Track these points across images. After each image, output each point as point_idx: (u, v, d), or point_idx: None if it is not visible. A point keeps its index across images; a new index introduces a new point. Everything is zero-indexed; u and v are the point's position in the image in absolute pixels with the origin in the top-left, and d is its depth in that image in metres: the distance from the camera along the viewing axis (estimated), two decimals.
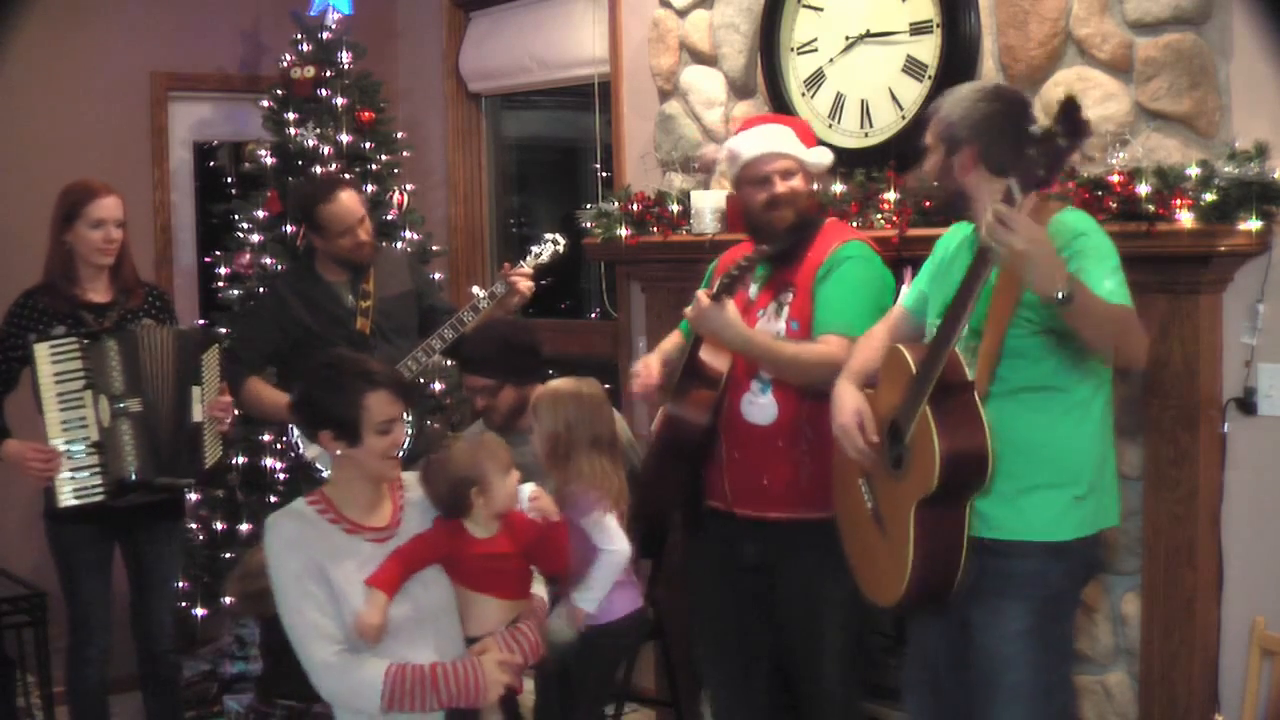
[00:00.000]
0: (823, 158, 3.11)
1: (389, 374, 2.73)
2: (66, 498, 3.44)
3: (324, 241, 3.90)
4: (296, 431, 3.98)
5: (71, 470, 3.44)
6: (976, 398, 2.47)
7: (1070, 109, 2.22)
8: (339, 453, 2.66)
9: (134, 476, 3.50)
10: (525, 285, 3.81)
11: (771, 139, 3.09)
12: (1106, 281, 2.41)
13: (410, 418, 3.86)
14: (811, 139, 3.14)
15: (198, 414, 3.58)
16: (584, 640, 3.12)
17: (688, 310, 3.06)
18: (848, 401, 2.69)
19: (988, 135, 2.54)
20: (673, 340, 3.38)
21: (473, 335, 3.74)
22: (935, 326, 2.70)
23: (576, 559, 3.06)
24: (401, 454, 3.66)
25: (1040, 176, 2.24)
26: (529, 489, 2.81)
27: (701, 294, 3.01)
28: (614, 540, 3.06)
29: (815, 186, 3.16)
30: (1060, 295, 2.25)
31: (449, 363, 4.48)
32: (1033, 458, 2.53)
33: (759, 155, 3.07)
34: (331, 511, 2.67)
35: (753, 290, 3.15)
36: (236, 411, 3.82)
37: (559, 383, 3.25)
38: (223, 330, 4.55)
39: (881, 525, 2.64)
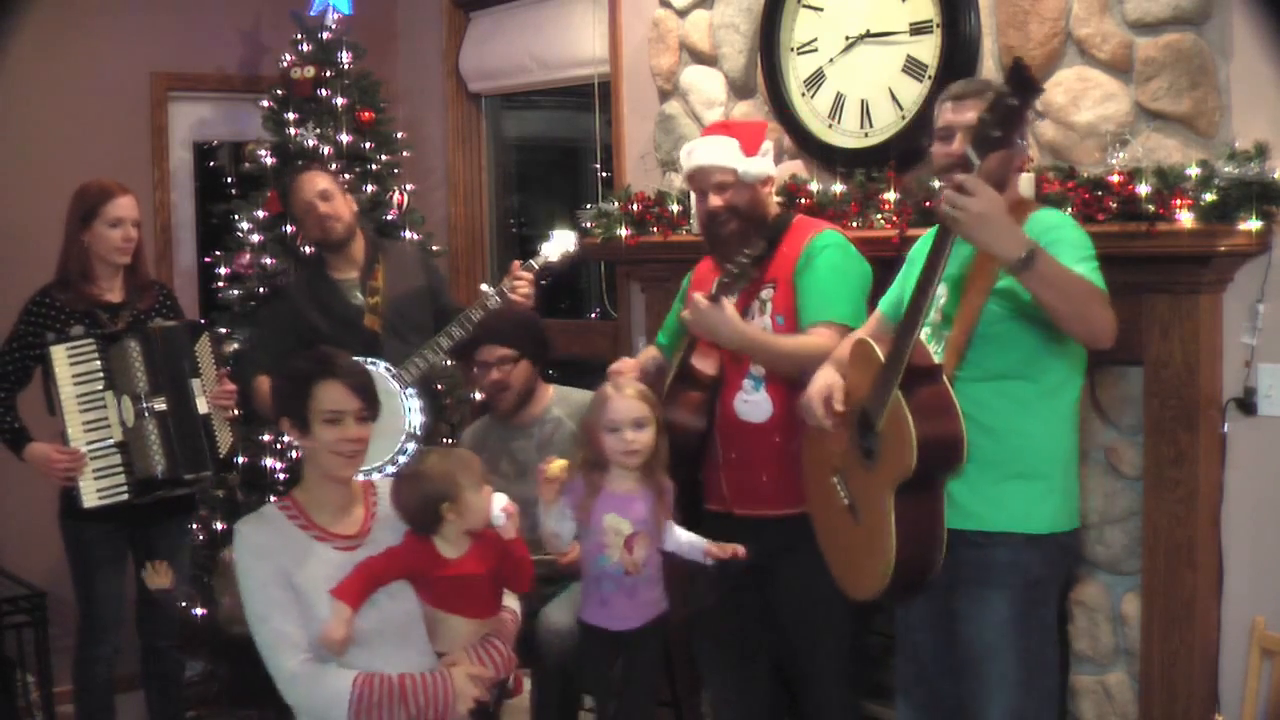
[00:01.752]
0: (755, 166, 3.07)
1: (350, 368, 2.69)
2: (91, 499, 3.46)
3: (300, 228, 3.94)
4: None
5: (95, 471, 3.46)
6: (946, 381, 2.50)
7: (1019, 69, 2.27)
8: (298, 443, 2.68)
9: (160, 474, 3.52)
10: (522, 293, 3.78)
11: (706, 153, 3.10)
12: (1078, 267, 2.43)
13: (421, 417, 3.85)
14: (754, 147, 3.10)
15: (202, 406, 3.63)
16: (644, 636, 3.04)
17: (684, 313, 3.06)
18: (819, 378, 2.75)
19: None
20: (648, 354, 3.39)
21: (491, 313, 3.73)
22: None
23: (651, 561, 2.99)
24: (403, 456, 3.68)
25: (995, 138, 2.27)
26: (501, 501, 2.72)
27: (699, 295, 3.01)
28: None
29: (767, 190, 3.15)
30: (1022, 255, 2.29)
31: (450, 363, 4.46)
32: (1005, 445, 2.56)
33: (691, 170, 3.13)
34: (301, 517, 2.65)
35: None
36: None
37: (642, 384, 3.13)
38: (223, 330, 4.56)
39: (857, 517, 2.66)
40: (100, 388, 3.49)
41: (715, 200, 3.09)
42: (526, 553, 2.81)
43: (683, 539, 3.00)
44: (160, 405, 3.54)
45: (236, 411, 3.80)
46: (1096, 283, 2.46)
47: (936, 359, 2.55)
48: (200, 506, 4.47)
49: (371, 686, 2.52)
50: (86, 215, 3.59)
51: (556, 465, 2.92)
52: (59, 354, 3.44)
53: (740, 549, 2.93)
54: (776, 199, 3.30)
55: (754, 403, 3.07)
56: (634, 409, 2.93)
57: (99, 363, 3.48)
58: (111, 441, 3.50)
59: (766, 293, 3.09)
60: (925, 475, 2.47)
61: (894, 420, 2.48)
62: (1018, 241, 2.31)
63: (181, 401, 3.59)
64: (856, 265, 3.08)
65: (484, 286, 3.91)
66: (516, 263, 3.85)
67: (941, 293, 2.63)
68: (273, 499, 2.75)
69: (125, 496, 3.50)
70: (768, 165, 3.13)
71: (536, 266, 3.81)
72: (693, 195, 3.82)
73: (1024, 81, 2.27)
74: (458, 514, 2.66)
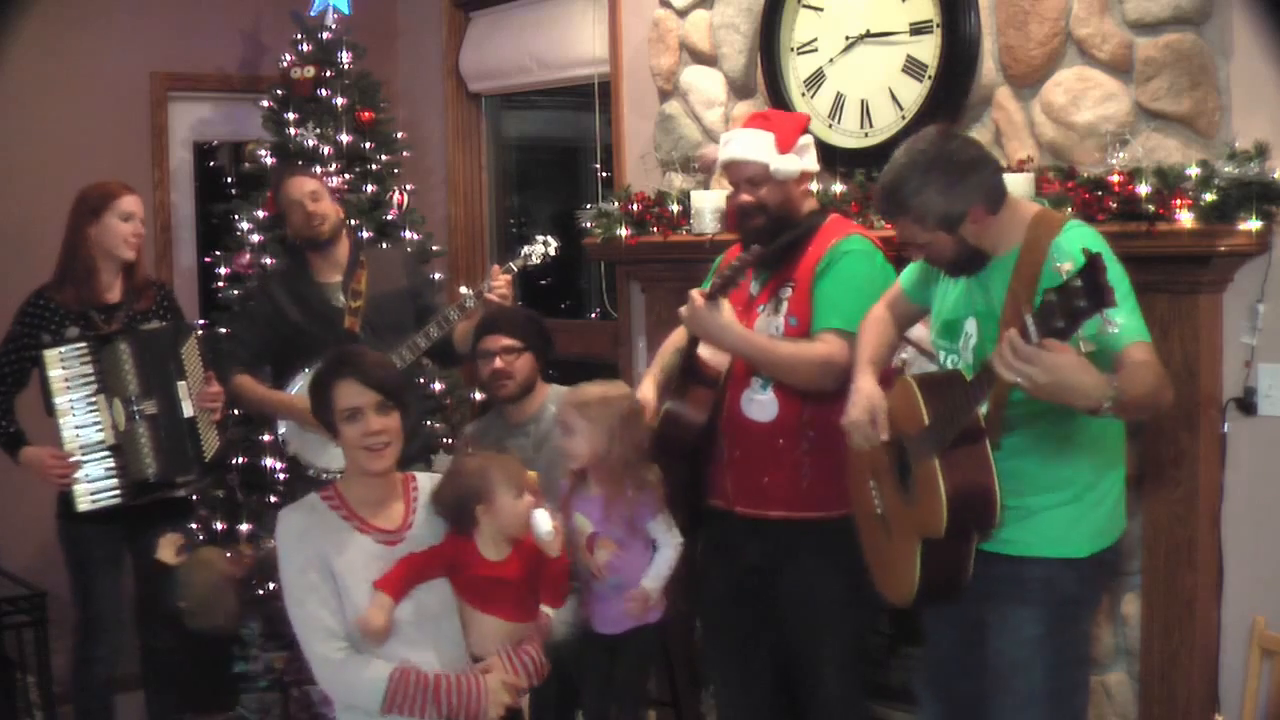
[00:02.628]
0: (788, 164, 3.03)
1: (362, 362, 2.70)
2: (84, 502, 3.46)
3: (289, 226, 4.03)
4: (282, 427, 4.02)
5: (88, 474, 3.46)
6: (988, 447, 2.42)
7: (1093, 271, 2.02)
8: (337, 446, 2.71)
9: (152, 477, 3.52)
10: (500, 294, 3.75)
11: (741, 146, 3.07)
12: (1120, 317, 2.27)
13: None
14: (790, 143, 3.06)
15: (188, 409, 3.60)
16: (632, 640, 3.06)
17: (681, 310, 3.05)
18: (863, 394, 2.66)
19: (975, 182, 2.44)
20: (674, 340, 3.37)
21: (498, 307, 3.76)
22: (937, 344, 2.70)
23: (629, 568, 3.00)
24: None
25: (1059, 329, 2.10)
26: (549, 520, 2.70)
27: (695, 294, 3.00)
28: (677, 536, 3.04)
29: (802, 187, 3.12)
30: (1107, 405, 2.18)
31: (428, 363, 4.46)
32: (1049, 478, 2.51)
33: (726, 162, 3.11)
34: (344, 508, 2.68)
35: (754, 287, 3.15)
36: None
37: (605, 388, 3.10)
38: (223, 330, 4.56)
39: (889, 533, 2.64)
40: (93, 391, 3.49)
41: (745, 195, 3.07)
42: (565, 570, 2.82)
43: (653, 566, 2.99)
44: (150, 409, 3.53)
45: (228, 413, 3.78)
46: (1142, 332, 2.35)
47: (982, 415, 2.44)
48: (199, 507, 4.48)
49: (407, 681, 2.55)
50: (96, 209, 3.59)
51: (529, 476, 2.94)
52: (51, 357, 3.45)
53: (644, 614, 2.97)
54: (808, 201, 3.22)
55: (761, 402, 3.06)
56: (562, 414, 3.01)
57: (91, 366, 3.48)
58: (105, 445, 3.49)
59: (785, 292, 3.07)
60: (954, 534, 2.44)
61: (928, 480, 2.43)
62: (1095, 393, 2.16)
63: (169, 404, 3.58)
64: (877, 273, 3.01)
65: (462, 288, 3.93)
66: (496, 266, 3.87)
67: (971, 331, 2.57)
68: (316, 492, 2.76)
69: (119, 500, 3.50)
70: (802, 162, 3.08)
71: (515, 269, 3.84)
72: (694, 191, 3.86)
73: (1097, 289, 2.02)
74: (491, 515, 2.67)
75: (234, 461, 4.48)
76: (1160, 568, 2.98)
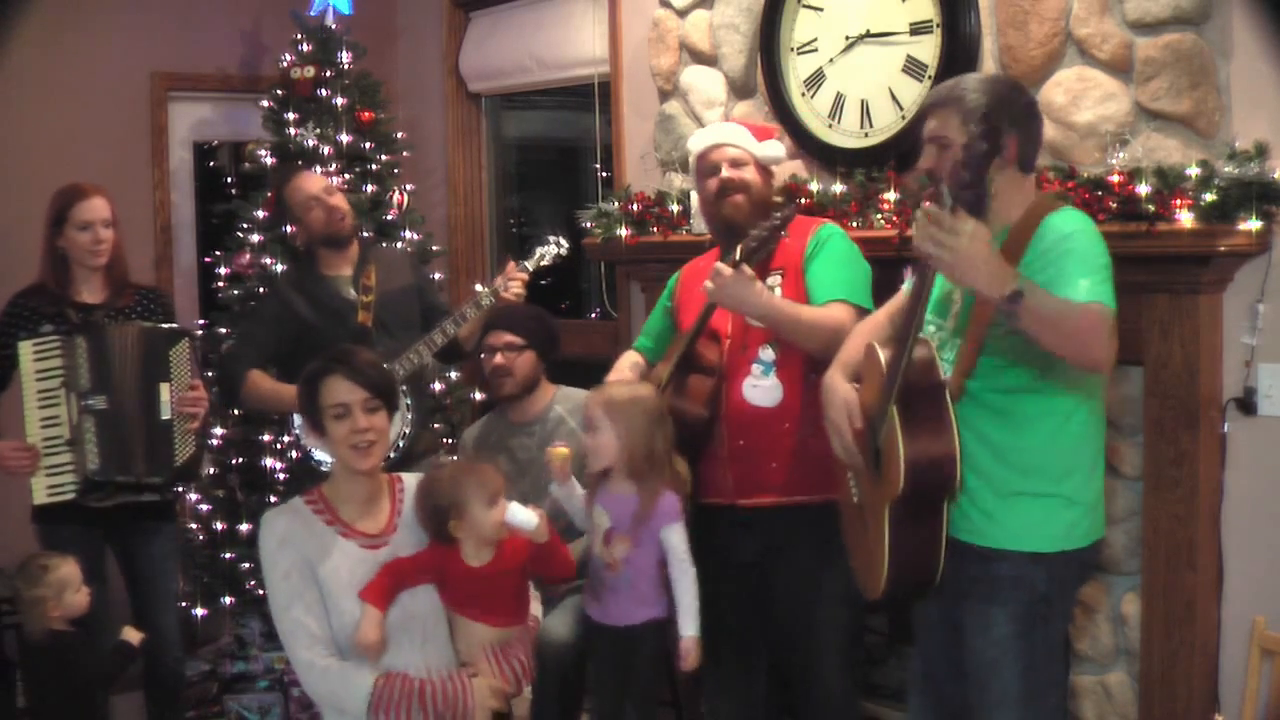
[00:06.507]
0: (772, 150, 3.23)
1: (354, 360, 2.68)
2: (39, 495, 3.46)
3: (300, 225, 3.95)
4: (298, 420, 4.00)
5: (47, 468, 3.45)
6: (947, 398, 2.44)
7: (988, 117, 2.28)
8: (319, 444, 2.73)
9: (93, 474, 3.49)
10: (515, 292, 3.79)
11: (720, 132, 3.25)
12: (1083, 280, 2.33)
13: (410, 416, 3.86)
14: (764, 137, 3.25)
15: (166, 412, 3.57)
16: (647, 634, 3.03)
17: (707, 284, 3.00)
18: (838, 394, 2.67)
19: (1028, 128, 2.51)
20: (629, 359, 3.40)
21: (506, 304, 3.78)
22: (930, 322, 2.70)
23: (637, 563, 2.96)
24: (393, 453, 3.67)
25: (968, 181, 2.21)
26: (528, 519, 2.70)
27: (721, 265, 2.98)
28: (690, 561, 2.99)
29: (773, 180, 3.25)
30: (1007, 293, 2.20)
31: (443, 367, 4.45)
32: (1011, 461, 2.50)
33: (706, 147, 3.22)
34: (327, 512, 2.67)
35: None
36: (210, 403, 3.76)
37: (634, 388, 3.09)
38: (223, 330, 4.56)
39: (865, 521, 2.64)
40: (57, 384, 3.48)
41: (730, 171, 3.16)
42: (560, 543, 2.83)
43: (681, 606, 2.95)
44: (101, 404, 3.50)
45: (202, 418, 3.72)
46: (1103, 298, 2.34)
47: (945, 371, 2.49)
48: (183, 513, 4.45)
49: (393, 686, 2.54)
50: (58, 219, 3.58)
51: (559, 452, 3.01)
52: (25, 349, 3.46)
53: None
54: (776, 199, 3.33)
55: (764, 388, 3.06)
56: (590, 412, 2.99)
57: (59, 360, 3.48)
58: (63, 439, 3.48)
59: (774, 280, 3.09)
60: (919, 496, 2.44)
61: (889, 439, 2.45)
62: (1002, 279, 2.22)
63: (142, 404, 3.53)
64: (858, 253, 3.15)
65: (478, 286, 3.92)
66: (511, 263, 3.87)
67: (956, 300, 2.58)
68: (300, 495, 2.76)
69: (72, 495, 3.47)
70: (780, 152, 3.27)
71: (531, 268, 3.83)
72: (694, 191, 3.86)
73: (992, 134, 2.23)
74: (464, 530, 2.66)
75: (233, 461, 4.48)
76: (1160, 568, 2.98)
